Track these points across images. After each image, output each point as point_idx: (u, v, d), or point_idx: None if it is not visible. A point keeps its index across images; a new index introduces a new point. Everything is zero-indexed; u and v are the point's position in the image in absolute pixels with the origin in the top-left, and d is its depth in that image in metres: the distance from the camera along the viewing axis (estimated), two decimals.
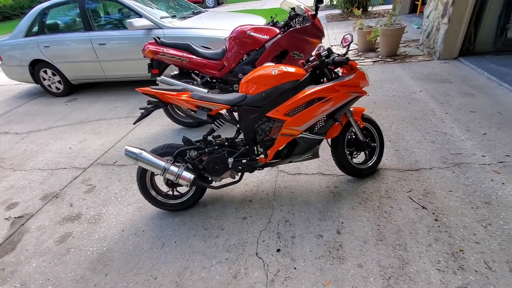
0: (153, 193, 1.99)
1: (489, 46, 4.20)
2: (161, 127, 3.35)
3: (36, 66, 4.51)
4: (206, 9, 5.16)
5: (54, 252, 1.88)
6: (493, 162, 2.19)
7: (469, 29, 4.07)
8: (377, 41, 4.91)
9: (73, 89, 4.77)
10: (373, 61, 4.63)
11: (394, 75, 4.00)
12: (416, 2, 7.19)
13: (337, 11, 8.99)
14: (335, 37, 6.17)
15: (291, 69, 1.81)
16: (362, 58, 4.88)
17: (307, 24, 2.80)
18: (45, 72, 4.54)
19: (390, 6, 8.57)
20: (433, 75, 3.84)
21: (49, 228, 2.08)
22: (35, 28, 4.37)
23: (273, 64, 1.91)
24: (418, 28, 6.14)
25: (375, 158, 2.17)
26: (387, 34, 4.51)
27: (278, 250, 1.70)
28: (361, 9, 6.53)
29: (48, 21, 4.37)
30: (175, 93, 1.78)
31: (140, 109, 1.86)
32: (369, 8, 8.41)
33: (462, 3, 3.86)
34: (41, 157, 3.02)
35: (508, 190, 1.93)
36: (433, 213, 1.82)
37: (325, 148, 2.51)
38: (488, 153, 2.28)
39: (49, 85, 4.67)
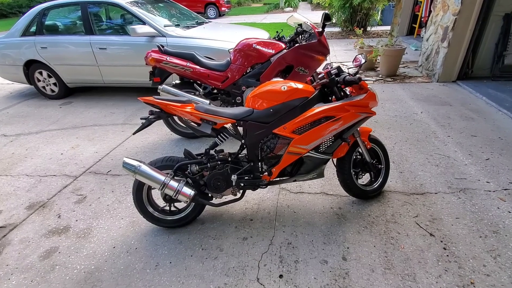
0: (150, 209, 1.87)
1: (486, 72, 4.30)
2: (158, 136, 3.25)
3: (31, 67, 4.39)
4: (209, 20, 5.17)
5: (37, 269, 1.73)
6: (498, 189, 2.16)
7: (467, 54, 4.16)
8: (377, 60, 4.98)
9: (68, 92, 4.64)
10: (374, 80, 4.67)
11: (395, 95, 4.02)
12: (414, 25, 7.40)
13: (337, 29, 9.18)
14: (335, 54, 6.25)
15: (300, 86, 1.76)
16: (363, 76, 4.93)
17: (314, 40, 2.80)
18: (40, 73, 4.41)
19: (387, 27, 8.81)
20: (432, 97, 3.88)
21: (33, 241, 1.93)
22: (33, 28, 4.26)
23: (282, 79, 1.87)
24: (416, 50, 6.29)
25: (381, 180, 2.12)
26: (388, 54, 4.58)
27: (281, 276, 1.60)
28: (361, 29, 6.67)
29: (47, 22, 4.28)
30: (179, 104, 1.71)
31: (141, 118, 1.77)
32: (368, 28, 8.63)
33: (462, 28, 3.96)
34: (29, 162, 2.87)
35: None
36: (441, 241, 1.76)
37: (327, 167, 2.46)
38: (492, 179, 2.26)
39: (44, 87, 4.53)
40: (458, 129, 3.03)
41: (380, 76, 4.84)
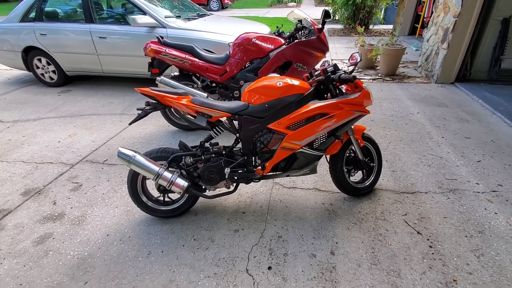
0: (143, 198, 1.90)
1: (484, 75, 4.32)
2: (156, 127, 3.26)
3: (30, 53, 4.36)
4: (211, 12, 5.13)
5: (30, 254, 1.76)
6: (487, 190, 2.20)
7: (466, 57, 4.18)
8: (377, 59, 4.98)
9: (67, 80, 4.63)
10: (372, 79, 4.68)
11: (393, 95, 4.04)
12: (416, 25, 7.37)
13: (339, 26, 9.15)
14: (336, 52, 6.24)
15: (296, 82, 1.78)
16: (362, 74, 4.93)
17: (313, 37, 2.80)
18: (39, 60, 4.39)
19: (390, 26, 8.78)
20: (430, 98, 3.90)
21: (27, 226, 1.96)
22: (32, 14, 4.23)
23: (278, 75, 1.88)
24: (416, 50, 6.28)
25: (373, 178, 2.15)
26: (388, 53, 4.58)
27: (270, 268, 1.64)
28: (363, 27, 6.65)
29: (47, 8, 4.25)
30: (175, 96, 1.72)
31: (137, 109, 1.79)
32: (370, 26, 8.59)
33: (461, 30, 3.97)
34: (26, 149, 2.88)
35: (500, 220, 1.94)
36: (428, 239, 1.80)
37: (321, 164, 2.49)
38: (482, 181, 2.30)
39: (43, 74, 4.52)
40: (453, 130, 3.07)
41: (379, 75, 4.85)
